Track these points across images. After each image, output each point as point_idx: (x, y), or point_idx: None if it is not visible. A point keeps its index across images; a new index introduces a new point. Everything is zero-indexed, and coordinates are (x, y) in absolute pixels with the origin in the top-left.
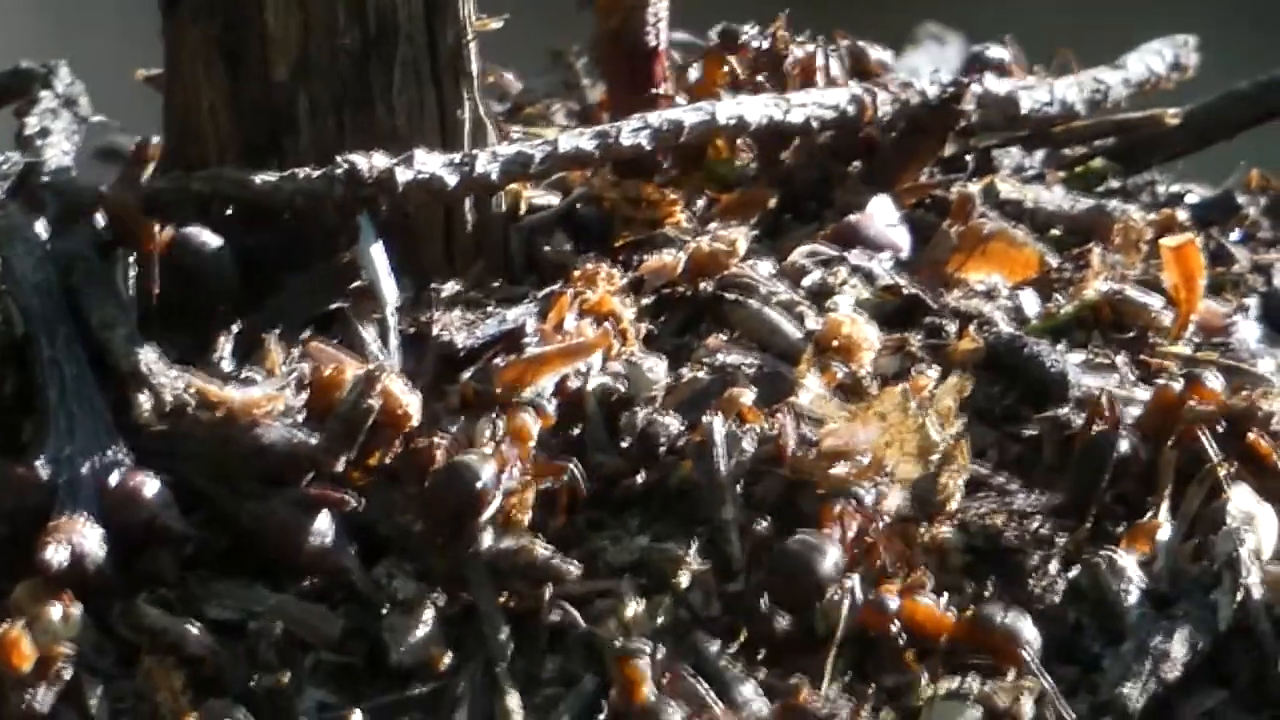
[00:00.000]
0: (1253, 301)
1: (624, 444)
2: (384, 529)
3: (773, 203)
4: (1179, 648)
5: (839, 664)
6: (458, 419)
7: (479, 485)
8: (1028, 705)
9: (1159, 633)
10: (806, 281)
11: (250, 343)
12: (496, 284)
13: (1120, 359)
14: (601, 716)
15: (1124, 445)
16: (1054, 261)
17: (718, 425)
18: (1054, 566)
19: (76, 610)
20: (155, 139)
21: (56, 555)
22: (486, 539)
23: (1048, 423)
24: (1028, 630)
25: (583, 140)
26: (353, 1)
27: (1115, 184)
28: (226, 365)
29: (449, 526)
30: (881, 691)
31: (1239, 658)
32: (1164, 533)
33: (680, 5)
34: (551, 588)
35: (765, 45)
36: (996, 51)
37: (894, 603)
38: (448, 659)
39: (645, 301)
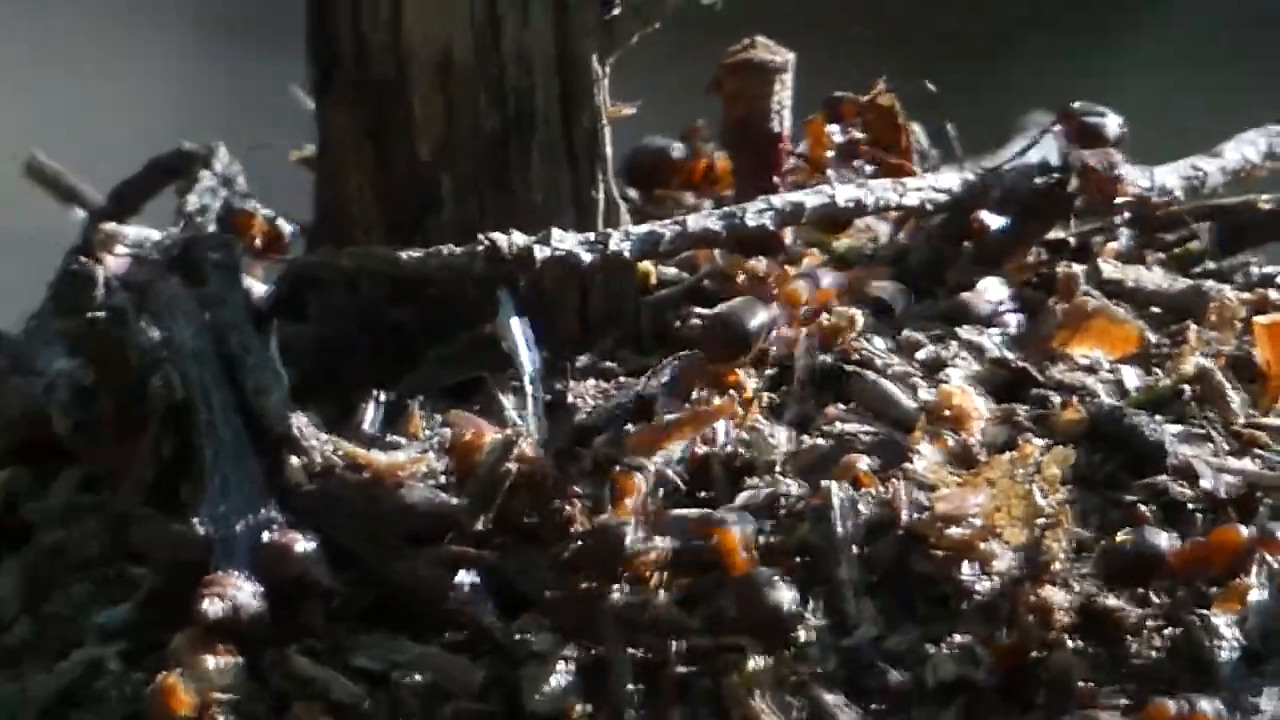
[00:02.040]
0: None
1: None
2: (521, 585)
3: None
4: (1268, 702)
5: (947, 715)
6: (590, 482)
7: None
8: None
9: (1250, 688)
10: (920, 355)
11: (395, 409)
12: (627, 355)
13: (1215, 430)
14: None
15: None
16: (1153, 338)
17: (836, 490)
18: (1151, 624)
19: (231, 659)
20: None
21: (213, 608)
22: (616, 595)
23: (1146, 489)
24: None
25: (710, 220)
26: (493, 87)
27: (1211, 265)
28: (372, 430)
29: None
30: None
31: None
32: (1255, 594)
33: None
34: (679, 642)
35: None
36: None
37: None
38: (580, 709)
39: (769, 373)
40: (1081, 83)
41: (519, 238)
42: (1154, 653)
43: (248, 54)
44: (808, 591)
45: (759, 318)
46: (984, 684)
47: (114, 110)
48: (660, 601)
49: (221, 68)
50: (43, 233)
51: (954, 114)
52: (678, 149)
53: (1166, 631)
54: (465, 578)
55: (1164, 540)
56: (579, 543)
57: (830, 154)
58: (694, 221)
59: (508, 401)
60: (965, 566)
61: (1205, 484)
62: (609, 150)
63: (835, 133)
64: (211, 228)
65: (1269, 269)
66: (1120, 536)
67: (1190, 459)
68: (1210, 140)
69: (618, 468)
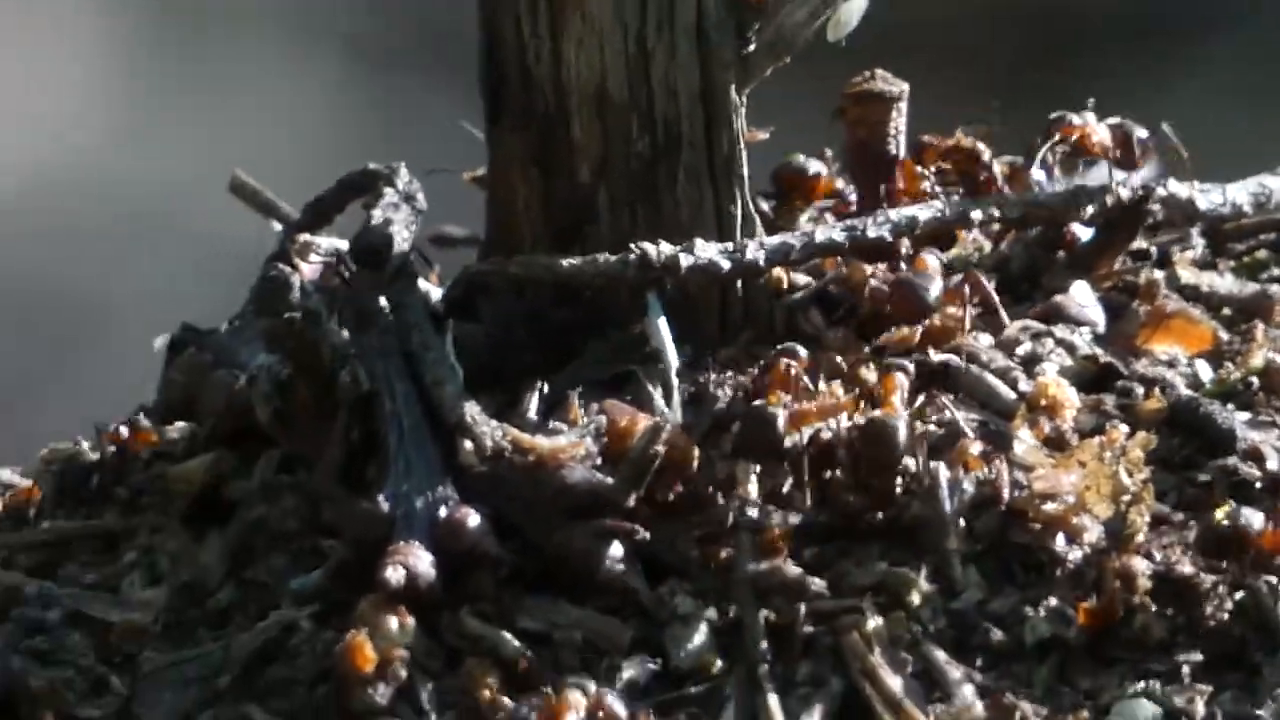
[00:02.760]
0: None
1: (866, 485)
2: (666, 555)
3: (992, 285)
4: None
5: (1043, 673)
6: (729, 464)
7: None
8: (1200, 705)
9: None
10: (1019, 351)
11: (555, 400)
12: (763, 352)
13: (1279, 416)
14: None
15: None
16: (1225, 336)
17: (944, 471)
18: (1223, 589)
19: (410, 621)
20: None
21: (394, 575)
22: (748, 562)
23: (1219, 470)
24: None
25: (835, 232)
26: (644, 115)
27: (1277, 271)
28: (536, 418)
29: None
30: (1078, 693)
31: None
32: None
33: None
34: (805, 604)
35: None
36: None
37: None
38: (718, 664)
39: (887, 365)
40: (1142, 98)
41: (666, 248)
42: (1225, 615)
43: (403, 81)
44: (918, 562)
45: (936, 285)
46: (1074, 643)
47: (282, 133)
48: (789, 568)
49: (380, 94)
50: (241, 242)
51: (1029, 132)
52: (815, 166)
53: (1237, 596)
54: (617, 549)
55: (1258, 521)
56: (739, 427)
57: (925, 187)
58: (820, 233)
59: (655, 393)
60: (1059, 538)
61: (1271, 465)
62: (746, 170)
63: (923, 174)
64: (396, 240)
65: None
66: (1219, 514)
67: (1258, 443)
68: (1262, 151)
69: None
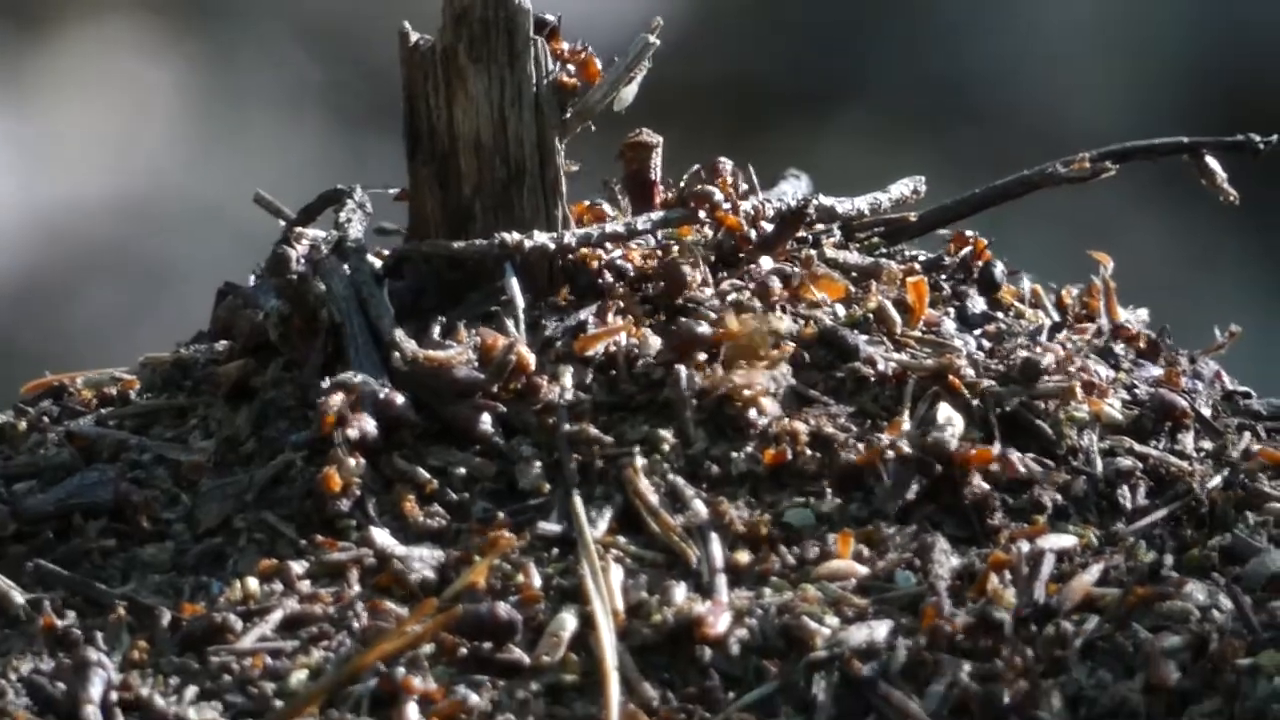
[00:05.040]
0: (951, 310)
1: (636, 379)
2: (516, 422)
3: (713, 258)
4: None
5: (743, 493)
6: (553, 366)
7: None
8: (835, 511)
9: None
10: (729, 298)
11: (450, 328)
12: (576, 301)
13: (885, 338)
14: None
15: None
16: (853, 290)
17: (683, 370)
18: (852, 441)
19: (362, 461)
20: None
21: (352, 432)
22: (565, 426)
23: (849, 370)
24: None
25: (618, 226)
26: (503, 155)
27: (884, 251)
28: (438, 339)
29: None
30: (765, 505)
31: None
32: (906, 424)
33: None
34: (599, 450)
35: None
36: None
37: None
38: (547, 487)
39: (648, 307)
40: (805, 144)
41: (516, 235)
42: (853, 457)
43: (361, 134)
44: (667, 425)
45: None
46: (762, 474)
47: (288, 164)
48: (590, 428)
49: (347, 142)
50: (262, 232)
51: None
52: (607, 206)
53: (860, 446)
54: (487, 417)
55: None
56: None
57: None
58: (609, 227)
59: (509, 324)
60: (752, 411)
61: (880, 367)
62: (564, 189)
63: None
64: (353, 230)
65: (914, 252)
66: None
67: (872, 354)
68: (882, 177)
69: None
